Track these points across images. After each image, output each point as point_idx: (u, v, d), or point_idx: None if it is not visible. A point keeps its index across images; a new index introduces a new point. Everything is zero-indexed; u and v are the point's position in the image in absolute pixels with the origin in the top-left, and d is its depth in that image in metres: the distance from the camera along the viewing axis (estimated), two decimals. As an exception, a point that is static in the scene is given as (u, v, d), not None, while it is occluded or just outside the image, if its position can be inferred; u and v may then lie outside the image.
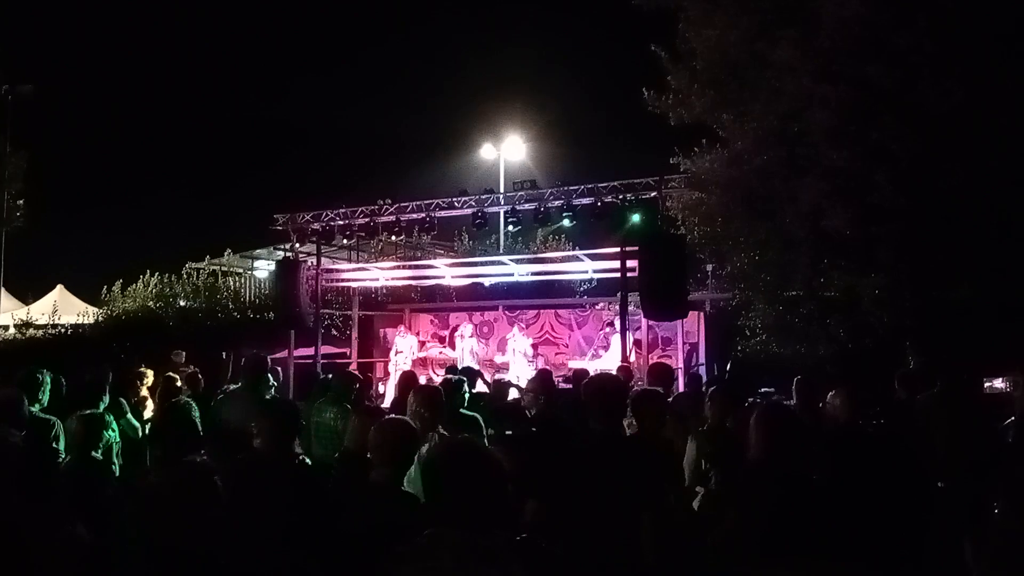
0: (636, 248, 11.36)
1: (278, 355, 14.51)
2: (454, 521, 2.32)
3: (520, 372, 14.44)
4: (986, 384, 7.29)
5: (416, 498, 3.47)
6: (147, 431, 6.50)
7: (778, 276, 10.58)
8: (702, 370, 13.76)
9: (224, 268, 20.98)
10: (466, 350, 15.86)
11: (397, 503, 3.41)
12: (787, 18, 9.78)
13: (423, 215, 13.55)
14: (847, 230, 9.51)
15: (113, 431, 5.49)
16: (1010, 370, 6.72)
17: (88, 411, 4.76)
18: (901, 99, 8.98)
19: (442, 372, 13.51)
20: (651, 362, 12.79)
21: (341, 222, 14.19)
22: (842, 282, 9.90)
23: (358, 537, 3.31)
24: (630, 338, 12.69)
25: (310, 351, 15.06)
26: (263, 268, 20.47)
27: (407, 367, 15.37)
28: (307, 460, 4.36)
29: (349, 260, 17.98)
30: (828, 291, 10.20)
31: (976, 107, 8.55)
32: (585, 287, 17.65)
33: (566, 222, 13.11)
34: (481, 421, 5.56)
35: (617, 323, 13.95)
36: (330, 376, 7.19)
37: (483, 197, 13.54)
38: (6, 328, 20.13)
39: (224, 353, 11.66)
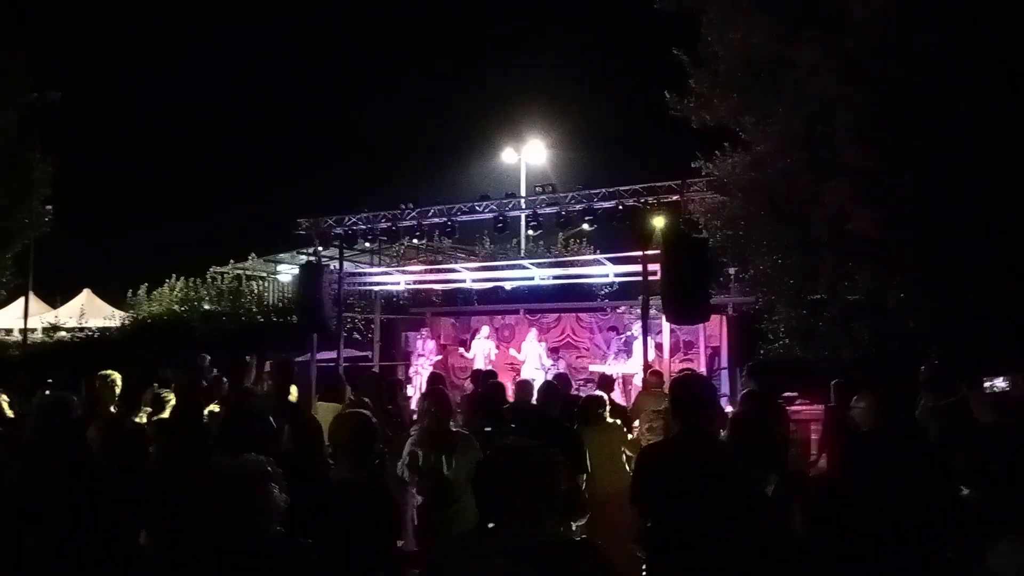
0: (658, 252, 11.31)
1: (300, 358, 14.61)
2: (504, 521, 2.34)
3: (534, 375, 14.44)
4: (986, 384, 7.14)
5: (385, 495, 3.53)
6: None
7: (801, 279, 10.52)
8: (724, 374, 13.67)
9: (248, 272, 21.16)
10: (481, 353, 15.90)
11: (359, 500, 3.44)
12: (810, 19, 9.73)
13: (444, 219, 13.58)
14: (872, 233, 9.43)
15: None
16: (1012, 370, 6.64)
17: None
18: (927, 100, 8.89)
19: (465, 376, 13.55)
20: (674, 366, 12.75)
21: (363, 226, 14.25)
22: (867, 285, 9.81)
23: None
24: (652, 342, 12.64)
25: (332, 354, 15.14)
26: (286, 272, 20.62)
27: (427, 371, 15.47)
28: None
29: (371, 264, 18.06)
30: (852, 294, 10.12)
31: (1004, 107, 8.45)
32: (606, 291, 17.59)
33: (587, 226, 13.08)
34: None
35: (637, 327, 13.89)
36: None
37: (504, 201, 13.54)
38: (34, 331, 20.42)
39: (248, 356, 11.75)
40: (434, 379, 8.02)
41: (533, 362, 15.13)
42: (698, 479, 3.62)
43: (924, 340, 9.35)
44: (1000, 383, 7.31)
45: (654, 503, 3.71)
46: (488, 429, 5.85)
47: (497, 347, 16.27)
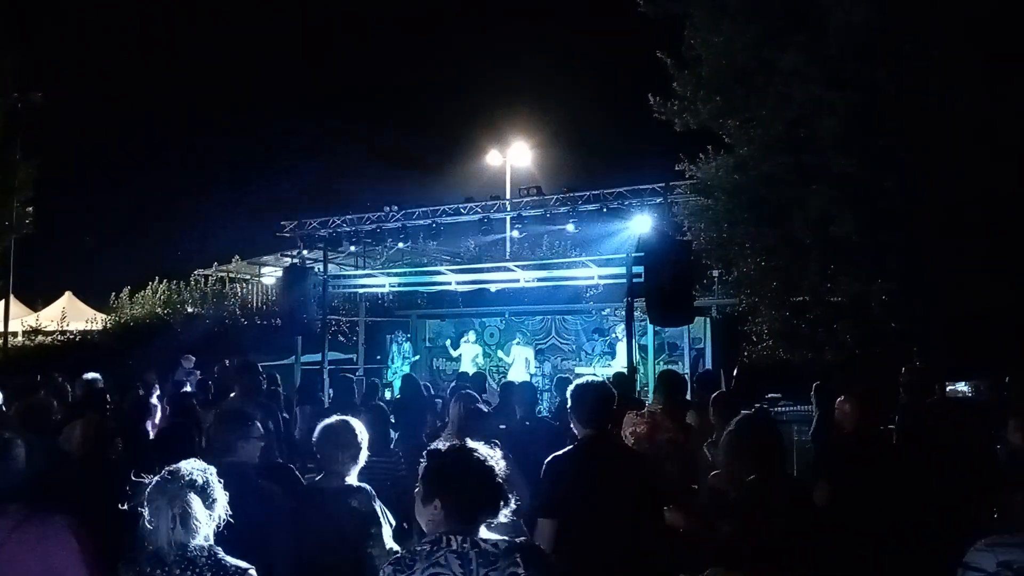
0: (642, 254, 11.37)
1: (285, 362, 14.57)
2: (457, 524, 2.38)
3: (522, 377, 14.46)
4: (949, 388, 7.18)
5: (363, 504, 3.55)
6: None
7: (785, 282, 10.58)
8: (709, 376, 13.73)
9: (232, 275, 21.04)
10: (467, 356, 15.89)
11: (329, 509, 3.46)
12: (795, 24, 9.79)
13: (429, 221, 13.60)
14: (855, 236, 9.50)
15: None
16: (976, 374, 6.70)
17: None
18: (910, 104, 8.98)
19: (451, 378, 13.54)
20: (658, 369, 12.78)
21: (348, 229, 14.26)
22: (849, 288, 9.88)
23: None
24: (636, 344, 12.69)
25: (317, 357, 15.10)
26: (270, 275, 20.52)
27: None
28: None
29: (356, 266, 18.02)
30: (835, 297, 10.19)
31: (984, 113, 8.54)
32: (591, 293, 17.64)
33: (571, 228, 13.12)
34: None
35: (619, 329, 13.95)
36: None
37: (489, 203, 13.59)
38: (15, 335, 20.22)
39: (227, 361, 11.72)
40: (409, 380, 8.08)
41: (521, 365, 15.15)
42: (606, 482, 3.66)
43: (906, 342, 9.44)
44: (962, 387, 7.35)
45: (565, 512, 3.69)
46: (503, 427, 5.92)
47: (484, 350, 16.30)
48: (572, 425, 4.00)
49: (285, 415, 7.50)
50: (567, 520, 3.66)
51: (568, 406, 4.01)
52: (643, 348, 13.86)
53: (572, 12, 45.19)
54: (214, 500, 2.71)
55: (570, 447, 3.92)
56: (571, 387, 4.04)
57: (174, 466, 2.74)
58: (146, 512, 2.66)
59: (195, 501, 2.65)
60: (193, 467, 2.74)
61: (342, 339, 18.51)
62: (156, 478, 2.72)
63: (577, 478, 3.74)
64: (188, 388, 9.83)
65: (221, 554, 2.68)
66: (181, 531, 2.61)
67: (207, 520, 2.66)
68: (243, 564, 2.71)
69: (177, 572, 2.59)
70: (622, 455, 3.98)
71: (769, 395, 9.70)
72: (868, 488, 4.39)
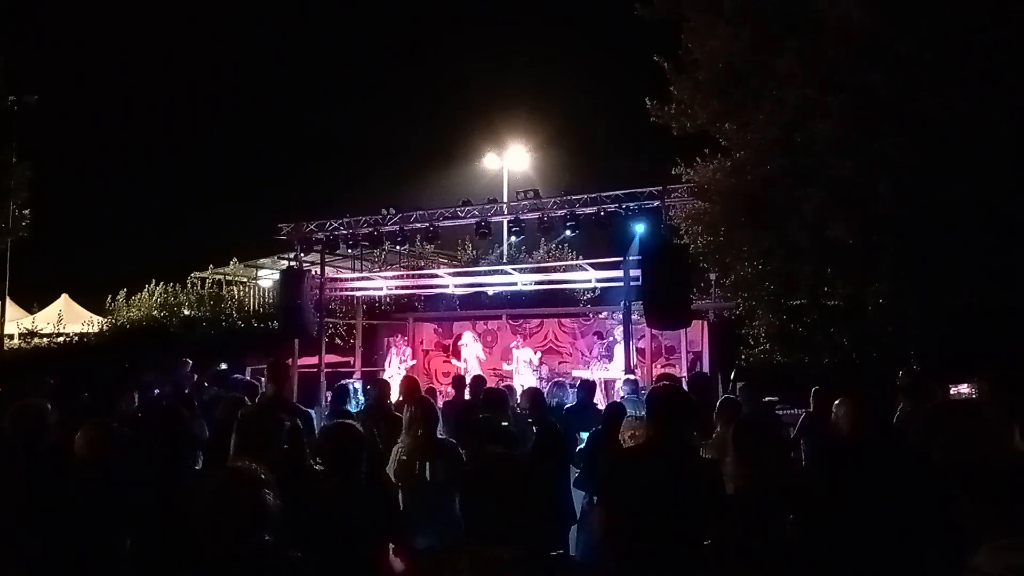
0: (639, 257, 11.38)
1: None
2: (477, 533, 2.39)
3: (525, 381, 14.47)
4: (952, 390, 7.16)
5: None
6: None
7: (781, 285, 10.60)
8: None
9: (228, 277, 21.04)
10: (470, 359, 15.89)
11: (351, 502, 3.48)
12: (790, 28, 9.82)
13: (427, 224, 13.58)
14: (850, 239, 9.53)
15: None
16: (976, 376, 6.70)
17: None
18: (903, 108, 9.00)
19: (447, 381, 13.54)
20: (656, 372, 12.80)
21: (345, 231, 14.23)
22: (845, 291, 9.91)
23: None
24: (633, 347, 12.71)
25: (314, 360, 15.08)
26: (267, 277, 20.51)
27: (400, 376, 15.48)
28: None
29: (353, 269, 18.01)
30: (831, 300, 10.21)
31: (977, 115, 8.57)
32: (588, 296, 17.66)
33: (568, 232, 13.13)
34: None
35: (618, 333, 13.95)
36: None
37: (486, 206, 13.56)
38: (11, 337, 20.17)
39: (219, 368, 11.70)
40: (411, 384, 7.98)
41: (523, 369, 15.15)
42: (670, 481, 3.70)
43: (903, 345, 9.45)
44: (964, 390, 7.34)
45: (625, 501, 3.76)
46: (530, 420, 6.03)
47: (484, 353, 16.31)
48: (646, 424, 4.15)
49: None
50: (627, 515, 3.75)
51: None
52: (641, 351, 13.87)
53: (569, 16, 45.26)
54: (273, 495, 2.72)
55: (640, 443, 4.04)
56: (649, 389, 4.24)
57: (241, 464, 2.74)
58: (207, 511, 2.66)
59: (268, 497, 2.67)
60: (253, 464, 2.76)
61: (339, 342, 18.49)
62: (215, 477, 2.72)
63: (636, 475, 3.84)
64: (187, 391, 9.80)
65: (284, 548, 2.69)
66: (250, 527, 2.62)
67: (272, 515, 2.67)
68: (303, 556, 2.73)
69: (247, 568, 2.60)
70: (689, 457, 4.00)
71: (766, 398, 9.70)
72: (865, 491, 4.39)
